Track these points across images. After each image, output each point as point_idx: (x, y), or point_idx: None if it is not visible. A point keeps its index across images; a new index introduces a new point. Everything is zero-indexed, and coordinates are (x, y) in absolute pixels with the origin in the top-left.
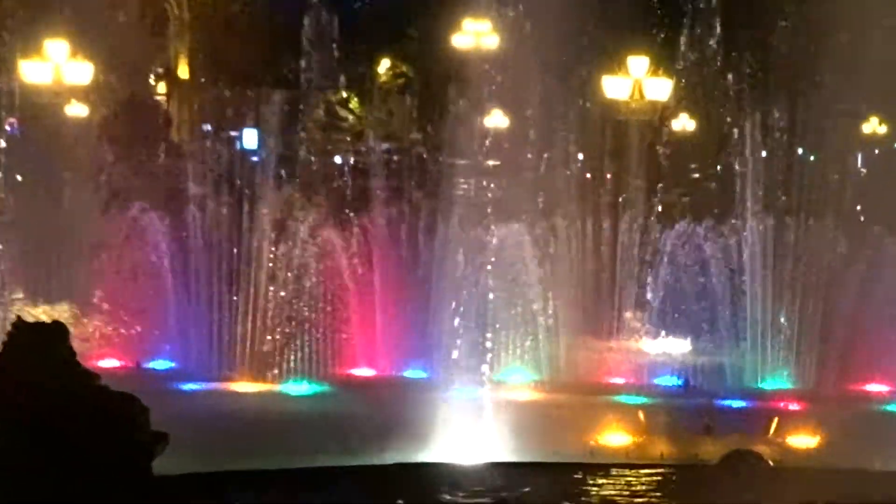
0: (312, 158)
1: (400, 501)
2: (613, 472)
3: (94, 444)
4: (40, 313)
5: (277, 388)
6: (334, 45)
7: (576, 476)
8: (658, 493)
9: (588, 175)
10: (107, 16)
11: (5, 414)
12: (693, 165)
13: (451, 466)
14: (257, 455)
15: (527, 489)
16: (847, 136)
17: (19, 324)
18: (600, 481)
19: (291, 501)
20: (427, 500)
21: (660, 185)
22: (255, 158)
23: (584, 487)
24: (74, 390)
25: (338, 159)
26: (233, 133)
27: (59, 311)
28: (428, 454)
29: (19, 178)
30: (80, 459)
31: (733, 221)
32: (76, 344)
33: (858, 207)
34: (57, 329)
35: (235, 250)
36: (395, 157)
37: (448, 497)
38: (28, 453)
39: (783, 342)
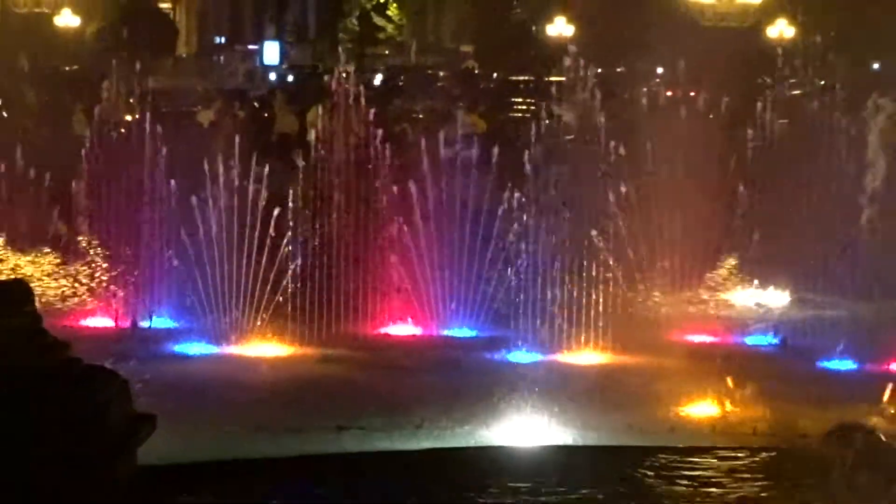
0: (345, 75)
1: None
2: (697, 455)
3: (54, 432)
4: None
5: (301, 349)
6: None
7: (652, 461)
8: (749, 480)
9: (668, 92)
10: None
11: None
12: (791, 81)
13: (506, 452)
14: (268, 433)
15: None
16: None
17: None
18: (682, 468)
19: (302, 496)
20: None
21: (752, 104)
22: (275, 76)
23: (664, 475)
24: (35, 366)
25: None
26: (251, 46)
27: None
28: (479, 431)
29: None
30: (38, 451)
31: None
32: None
33: None
34: (17, 290)
35: (250, 183)
36: (442, 72)
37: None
38: None
39: None
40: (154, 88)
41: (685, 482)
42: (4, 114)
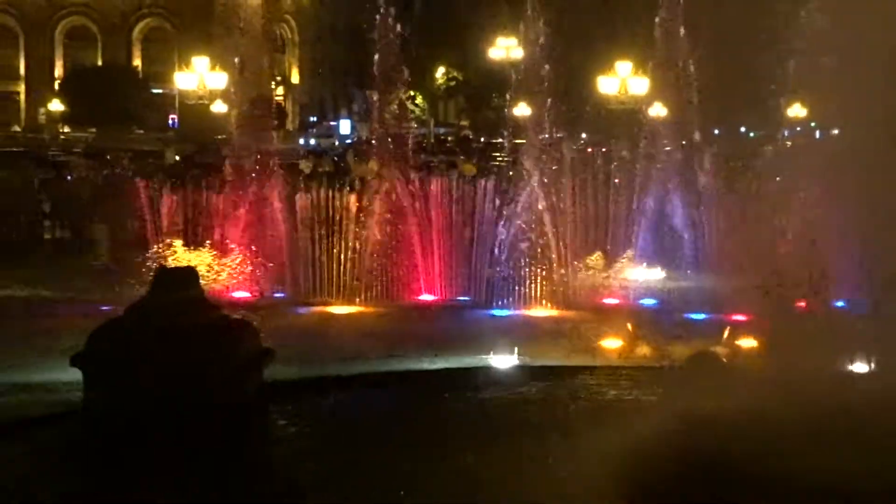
0: (389, 139)
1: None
2: (609, 372)
3: (214, 359)
4: (186, 257)
5: (363, 308)
6: (404, 56)
7: (580, 376)
8: (639, 387)
9: (589, 149)
10: (238, 38)
11: (150, 339)
12: (665, 142)
13: (488, 371)
14: (344, 360)
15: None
16: (775, 117)
17: (161, 268)
18: (599, 380)
19: (363, 401)
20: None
21: (641, 156)
22: (347, 141)
23: (587, 385)
24: (200, 320)
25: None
26: (332, 123)
27: (201, 254)
28: (474, 357)
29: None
30: (202, 370)
31: (695, 184)
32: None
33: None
34: (189, 272)
35: (332, 206)
36: (449, 138)
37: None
38: (165, 368)
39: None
40: (272, 149)
41: (600, 387)
42: (177, 158)
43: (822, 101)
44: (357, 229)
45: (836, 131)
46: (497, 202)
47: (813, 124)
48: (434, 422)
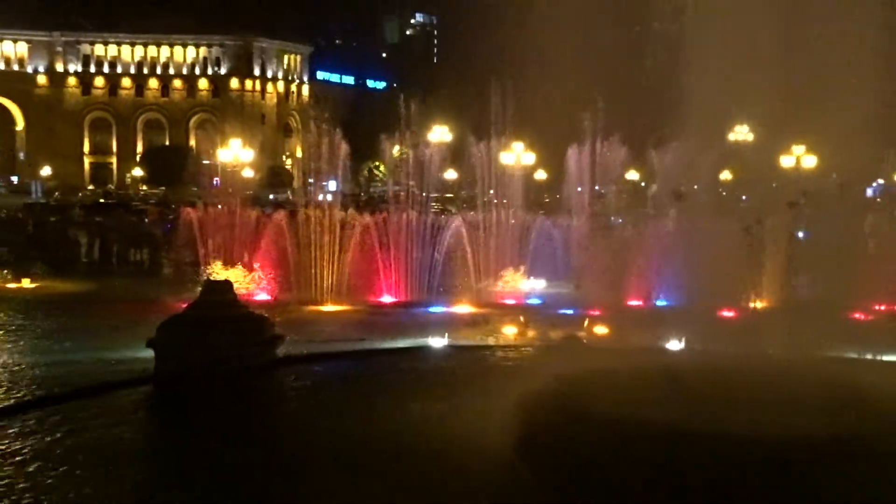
0: (361, 193)
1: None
2: (509, 350)
3: (242, 341)
4: (222, 273)
5: (344, 307)
6: (372, 139)
7: (489, 351)
8: (527, 358)
9: (495, 200)
10: (260, 127)
11: (204, 328)
12: (545, 194)
13: (427, 348)
14: (328, 342)
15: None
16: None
17: (207, 280)
18: (502, 354)
19: (343, 367)
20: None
21: (529, 204)
22: (330, 195)
23: (493, 357)
24: (233, 314)
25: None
26: (324, 183)
27: (235, 271)
28: (417, 339)
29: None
30: (235, 348)
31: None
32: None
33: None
34: (227, 282)
35: (324, 235)
36: (402, 192)
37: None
38: (210, 344)
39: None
40: (281, 199)
41: (502, 358)
42: (220, 206)
43: (649, 168)
44: (341, 252)
45: (654, 187)
46: (434, 234)
47: (643, 183)
48: (390, 379)
